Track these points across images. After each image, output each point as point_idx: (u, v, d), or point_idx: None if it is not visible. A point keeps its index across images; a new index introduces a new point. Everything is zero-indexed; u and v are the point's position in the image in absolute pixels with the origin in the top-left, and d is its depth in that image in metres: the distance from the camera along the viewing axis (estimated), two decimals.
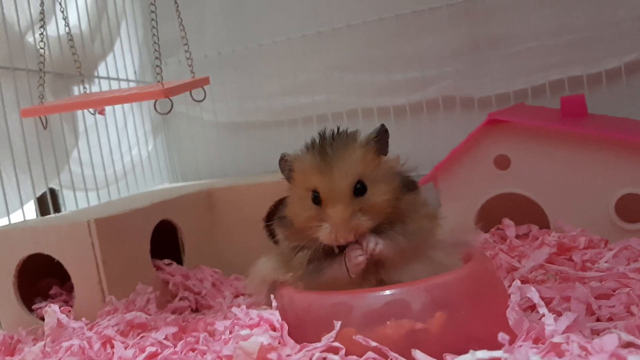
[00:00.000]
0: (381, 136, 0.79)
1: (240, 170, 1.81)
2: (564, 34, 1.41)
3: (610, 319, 0.79)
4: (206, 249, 1.38)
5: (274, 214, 0.93)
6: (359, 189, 0.75)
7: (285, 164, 0.81)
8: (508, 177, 1.23)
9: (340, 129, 0.80)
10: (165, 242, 1.31)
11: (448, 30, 1.51)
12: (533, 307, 0.86)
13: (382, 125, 0.80)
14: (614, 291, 0.85)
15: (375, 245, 0.74)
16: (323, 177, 0.75)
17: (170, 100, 1.10)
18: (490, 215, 1.24)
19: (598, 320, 0.80)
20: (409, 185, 0.80)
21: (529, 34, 1.44)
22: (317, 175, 0.76)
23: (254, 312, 0.76)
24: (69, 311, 0.93)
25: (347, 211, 0.73)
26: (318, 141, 0.79)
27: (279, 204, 0.90)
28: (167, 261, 1.26)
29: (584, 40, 1.39)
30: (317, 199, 0.76)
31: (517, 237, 1.20)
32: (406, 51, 1.56)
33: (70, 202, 1.61)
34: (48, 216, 1.34)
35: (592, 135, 1.15)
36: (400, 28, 1.55)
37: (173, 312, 1.12)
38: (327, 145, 0.77)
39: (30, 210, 1.45)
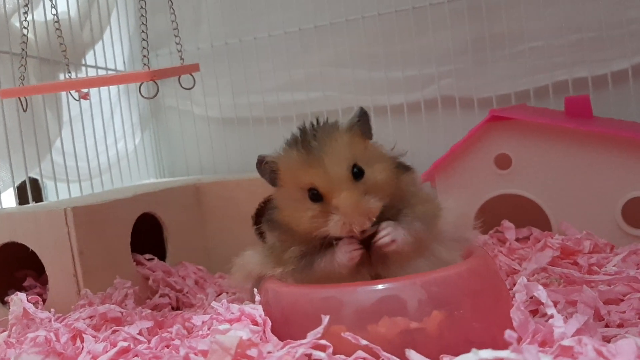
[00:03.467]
0: (362, 118, 0.76)
1: (231, 168, 1.74)
2: (570, 33, 1.36)
3: (620, 325, 0.73)
4: (192, 245, 1.32)
5: (263, 211, 0.87)
6: (357, 173, 0.71)
7: (266, 167, 0.76)
8: (509, 177, 1.18)
9: (320, 120, 0.76)
10: (152, 239, 1.26)
11: (449, 27, 1.46)
12: (535, 312, 0.81)
13: (361, 108, 0.77)
14: (624, 296, 0.80)
15: (391, 242, 0.69)
16: (317, 171, 0.70)
17: (156, 84, 1.05)
18: (489, 217, 1.17)
19: (607, 326, 0.74)
20: (402, 167, 0.77)
21: (533, 32, 1.39)
22: (310, 171, 0.71)
23: (234, 307, 0.70)
24: (37, 301, 0.87)
25: (354, 196, 0.68)
26: (299, 136, 0.74)
27: (268, 201, 0.84)
28: (148, 256, 1.20)
29: (590, 41, 1.34)
30: (316, 196, 0.71)
31: (517, 240, 1.14)
32: (405, 48, 1.51)
33: (52, 194, 1.54)
34: (26, 205, 1.28)
35: (598, 134, 1.09)
36: (400, 24, 1.50)
37: (152, 309, 1.06)
38: (311, 138, 0.73)
39: (9, 200, 1.39)
